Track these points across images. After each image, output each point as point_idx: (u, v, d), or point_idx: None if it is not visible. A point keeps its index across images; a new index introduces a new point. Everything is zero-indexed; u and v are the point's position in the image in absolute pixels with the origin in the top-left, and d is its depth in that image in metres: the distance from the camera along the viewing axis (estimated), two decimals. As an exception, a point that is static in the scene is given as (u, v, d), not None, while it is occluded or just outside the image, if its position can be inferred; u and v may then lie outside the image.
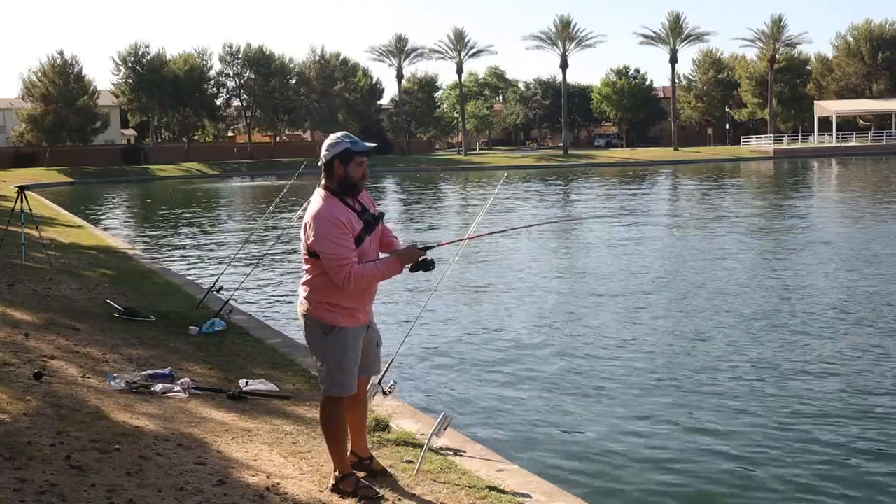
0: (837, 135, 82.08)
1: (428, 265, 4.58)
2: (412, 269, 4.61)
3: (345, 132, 4.72)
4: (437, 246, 4.65)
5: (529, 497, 4.91)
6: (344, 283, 4.45)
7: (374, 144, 4.70)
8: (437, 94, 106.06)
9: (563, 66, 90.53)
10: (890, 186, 38.10)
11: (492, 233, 6.33)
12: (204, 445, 5.41)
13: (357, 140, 4.59)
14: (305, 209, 4.71)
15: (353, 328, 4.63)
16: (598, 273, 15.96)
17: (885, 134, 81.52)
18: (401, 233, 25.00)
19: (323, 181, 4.60)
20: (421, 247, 4.64)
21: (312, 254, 4.54)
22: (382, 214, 4.77)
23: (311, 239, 4.49)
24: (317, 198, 4.59)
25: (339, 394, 4.65)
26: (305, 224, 4.58)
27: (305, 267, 4.68)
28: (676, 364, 9.40)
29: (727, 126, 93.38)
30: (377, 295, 4.95)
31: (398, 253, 4.62)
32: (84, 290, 11.30)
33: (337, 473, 4.80)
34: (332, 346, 4.60)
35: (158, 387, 6.59)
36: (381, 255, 4.77)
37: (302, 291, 4.70)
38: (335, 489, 4.76)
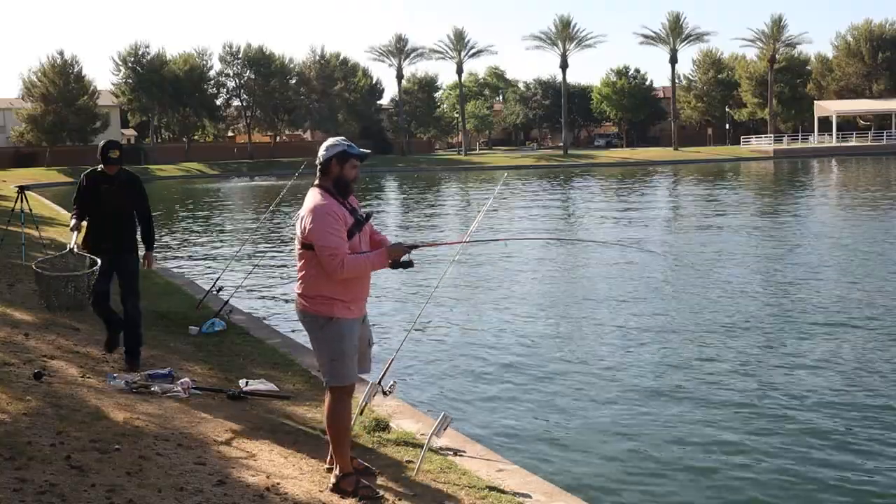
0: (837, 135, 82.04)
1: (409, 264, 4.81)
2: (393, 266, 4.81)
3: (343, 137, 5.00)
4: (422, 246, 4.96)
5: (529, 497, 4.91)
6: (337, 272, 4.63)
7: (368, 151, 5.00)
8: (437, 94, 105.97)
9: (563, 66, 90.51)
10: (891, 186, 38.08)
11: (476, 241, 6.45)
12: (204, 445, 5.41)
13: (353, 144, 4.88)
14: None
15: (348, 319, 4.78)
16: (598, 274, 15.96)
17: (885, 134, 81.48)
18: (405, 231, 25.00)
19: (318, 180, 4.83)
20: (408, 245, 4.85)
21: (307, 246, 4.73)
22: (370, 215, 4.97)
23: (308, 230, 4.69)
24: (312, 194, 4.80)
25: (341, 383, 4.81)
26: (301, 217, 4.76)
27: (299, 263, 4.84)
28: (678, 366, 9.39)
29: (727, 126, 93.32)
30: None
31: (389, 247, 4.84)
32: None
33: (338, 472, 4.82)
34: (328, 337, 4.76)
35: (158, 387, 6.59)
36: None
37: (297, 288, 4.86)
38: (335, 489, 4.79)
